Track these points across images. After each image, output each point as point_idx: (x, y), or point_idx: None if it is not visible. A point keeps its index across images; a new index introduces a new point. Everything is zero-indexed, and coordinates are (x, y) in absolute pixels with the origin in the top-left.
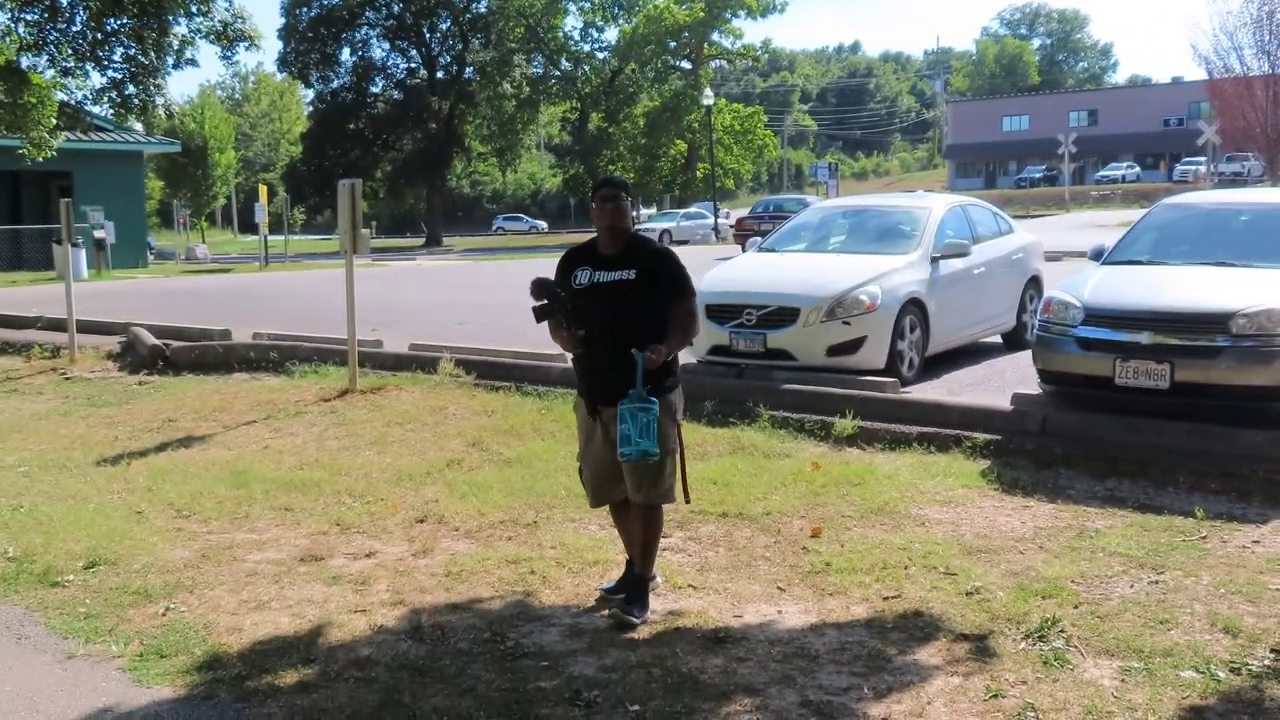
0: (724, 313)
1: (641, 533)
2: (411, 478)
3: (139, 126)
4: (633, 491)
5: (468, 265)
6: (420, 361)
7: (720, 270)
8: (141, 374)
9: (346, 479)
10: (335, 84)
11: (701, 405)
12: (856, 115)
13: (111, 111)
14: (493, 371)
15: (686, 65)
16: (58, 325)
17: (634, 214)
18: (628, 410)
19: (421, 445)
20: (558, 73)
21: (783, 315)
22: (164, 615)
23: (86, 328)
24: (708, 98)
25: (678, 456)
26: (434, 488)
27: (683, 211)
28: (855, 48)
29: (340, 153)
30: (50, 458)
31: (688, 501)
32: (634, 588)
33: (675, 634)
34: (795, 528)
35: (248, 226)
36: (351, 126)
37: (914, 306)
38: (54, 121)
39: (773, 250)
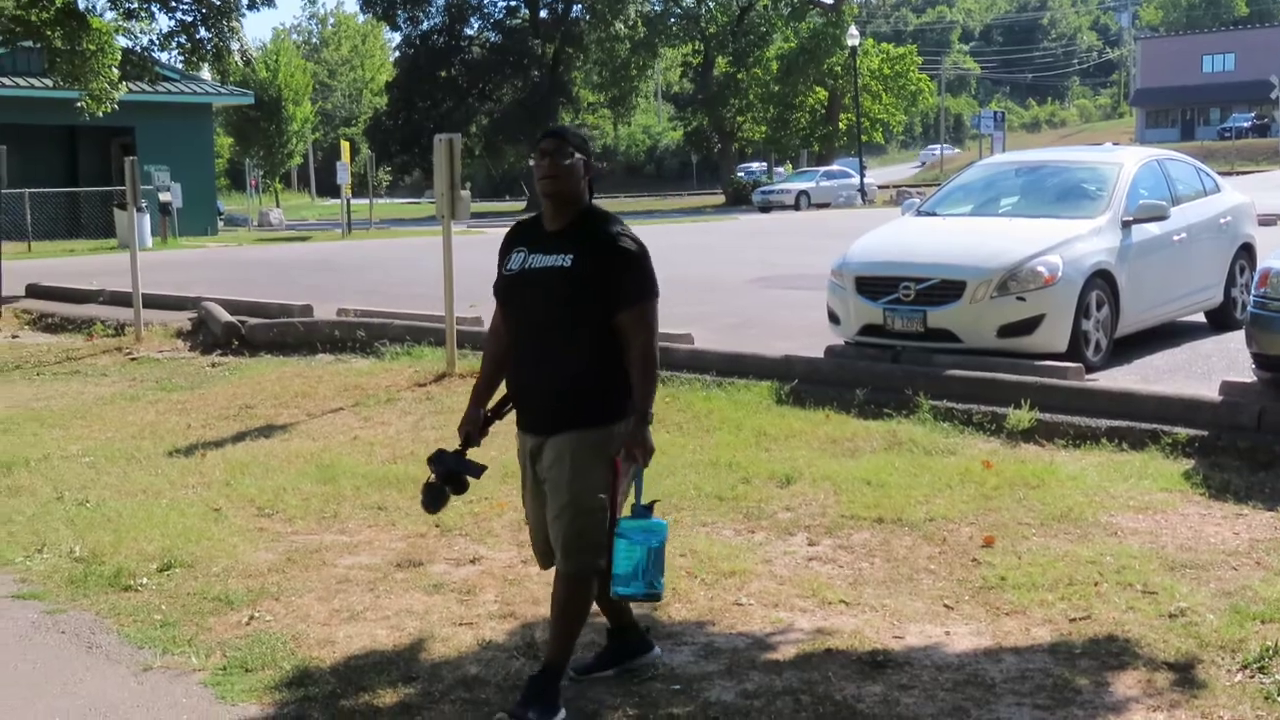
0: (877, 286)
1: (559, 606)
2: (519, 474)
3: (207, 75)
4: (557, 555)
5: None
6: None
7: (872, 237)
8: (215, 354)
9: None
10: (425, 26)
11: (851, 393)
12: (1027, 56)
13: (180, 58)
14: None
15: (827, 0)
16: (122, 300)
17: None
18: (626, 538)
19: None
20: (678, 10)
21: (946, 289)
22: (248, 624)
23: (153, 302)
24: (853, 37)
25: (609, 512)
26: None
27: (823, 170)
28: None
29: (431, 104)
30: (117, 447)
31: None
32: (537, 684)
33: (826, 656)
34: (964, 536)
35: (326, 189)
36: (443, 74)
37: (1101, 279)
38: (116, 71)
39: (933, 214)
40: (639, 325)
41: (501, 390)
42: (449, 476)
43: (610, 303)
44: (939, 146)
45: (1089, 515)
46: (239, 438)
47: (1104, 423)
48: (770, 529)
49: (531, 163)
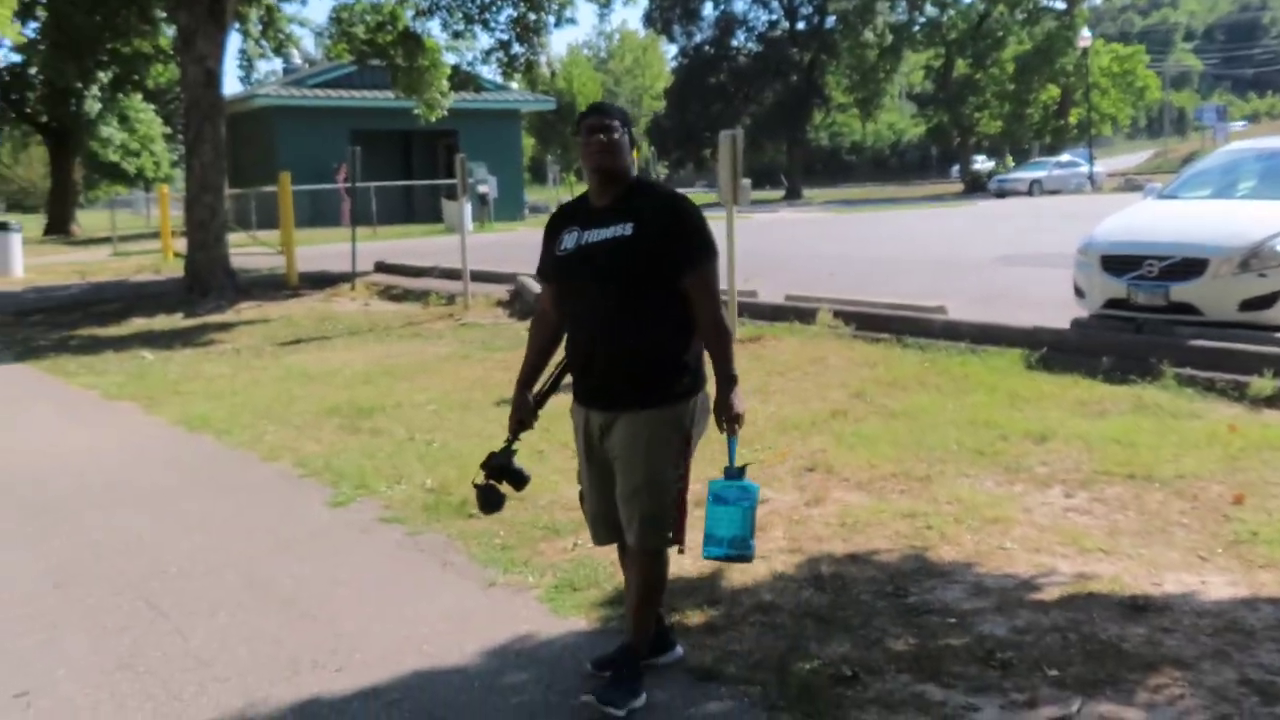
0: (1121, 264)
1: (637, 587)
2: (797, 427)
3: (515, 85)
4: (627, 531)
5: (829, 217)
6: (797, 312)
7: (1117, 219)
8: (528, 321)
9: None
10: (698, 38)
11: (1097, 361)
12: (1248, 53)
13: (499, 71)
14: (871, 323)
15: (1060, 5)
16: (451, 274)
17: (636, 153)
18: (719, 500)
19: (804, 395)
20: (922, 19)
21: (1189, 267)
22: (573, 550)
23: (476, 277)
24: (1083, 39)
25: (681, 485)
26: (820, 438)
27: (1054, 159)
28: None
29: (702, 107)
30: (454, 397)
31: (681, 551)
32: (620, 664)
33: (1088, 599)
34: (1213, 493)
35: None
36: (713, 80)
37: None
38: (446, 84)
39: (1174, 197)
40: (705, 288)
41: (545, 375)
42: (501, 471)
43: (676, 267)
44: (1236, 123)
45: None
46: None
47: None
48: (1028, 481)
49: (580, 141)
